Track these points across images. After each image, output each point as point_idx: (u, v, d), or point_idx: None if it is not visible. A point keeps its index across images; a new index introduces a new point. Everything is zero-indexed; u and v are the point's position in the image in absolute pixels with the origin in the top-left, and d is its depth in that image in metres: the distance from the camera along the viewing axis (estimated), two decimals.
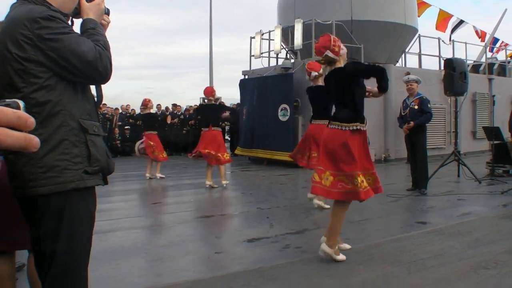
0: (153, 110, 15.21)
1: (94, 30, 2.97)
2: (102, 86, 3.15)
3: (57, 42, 2.72)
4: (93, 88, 3.13)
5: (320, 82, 8.83)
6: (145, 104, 14.78)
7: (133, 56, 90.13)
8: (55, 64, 2.74)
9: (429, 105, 10.82)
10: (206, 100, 13.46)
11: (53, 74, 2.76)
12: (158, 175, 14.37)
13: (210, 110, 12.38)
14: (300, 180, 12.50)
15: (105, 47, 2.93)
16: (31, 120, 1.22)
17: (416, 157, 11.06)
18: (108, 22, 3.24)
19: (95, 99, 3.13)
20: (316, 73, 9.05)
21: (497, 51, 27.15)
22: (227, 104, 21.90)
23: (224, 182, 12.19)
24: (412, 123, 10.77)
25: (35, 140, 1.24)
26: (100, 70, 2.85)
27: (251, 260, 5.94)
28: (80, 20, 3.06)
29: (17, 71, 2.71)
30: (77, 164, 2.81)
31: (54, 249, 2.81)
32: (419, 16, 23.59)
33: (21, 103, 1.20)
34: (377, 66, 5.92)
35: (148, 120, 14.72)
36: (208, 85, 30.04)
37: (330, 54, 5.85)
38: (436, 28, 25.14)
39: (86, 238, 2.95)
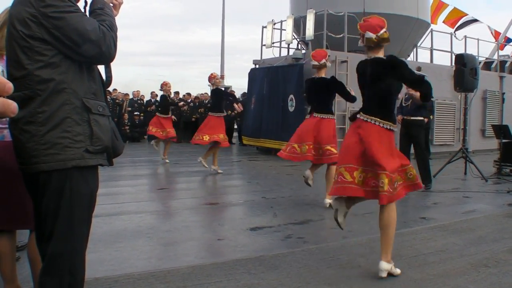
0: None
1: (102, 11, 3.01)
2: (112, 68, 3.18)
3: (61, 20, 2.75)
4: (102, 69, 3.16)
5: (324, 74, 8.65)
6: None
7: (147, 43, 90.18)
8: (59, 42, 2.78)
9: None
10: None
11: (57, 52, 2.80)
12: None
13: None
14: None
15: (111, 27, 2.96)
16: (9, 85, 1.24)
17: (415, 154, 10.95)
18: (120, 3, 3.26)
19: (104, 79, 3.16)
20: (318, 63, 8.62)
21: None
22: (238, 94, 22.01)
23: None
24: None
25: (13, 105, 1.25)
26: (103, 50, 2.88)
27: (252, 248, 5.98)
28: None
29: (22, 48, 2.76)
30: (79, 142, 2.85)
31: (53, 226, 2.85)
32: (437, 17, 23.56)
33: None
34: (424, 81, 5.46)
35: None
36: (220, 73, 30.19)
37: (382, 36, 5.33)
38: (443, 21, 24.92)
39: (85, 216, 2.98)
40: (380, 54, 5.38)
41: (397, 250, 5.90)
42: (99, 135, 2.92)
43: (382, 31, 5.32)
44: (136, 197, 9.16)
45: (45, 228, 2.88)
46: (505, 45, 26.50)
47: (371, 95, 5.35)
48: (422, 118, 10.93)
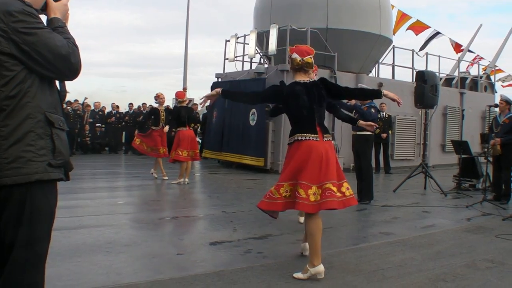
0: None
1: (63, 29, 3.06)
2: (67, 81, 3.18)
3: (32, 36, 2.78)
4: (57, 83, 3.15)
5: None
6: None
7: (111, 53, 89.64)
8: (28, 58, 2.79)
9: (372, 110, 10.46)
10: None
11: (24, 67, 2.81)
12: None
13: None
14: (267, 185, 12.46)
15: (75, 45, 2.99)
16: None
17: (361, 168, 10.97)
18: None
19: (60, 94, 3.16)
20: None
21: (471, 64, 27.43)
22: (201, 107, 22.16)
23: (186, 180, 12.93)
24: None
25: None
26: (73, 63, 2.92)
27: (212, 263, 5.95)
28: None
29: None
30: (42, 156, 2.86)
31: (13, 241, 2.84)
32: (397, 30, 23.96)
33: None
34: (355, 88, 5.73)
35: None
36: (182, 86, 30.34)
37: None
38: (407, 29, 25.31)
39: (45, 231, 2.98)
40: (306, 78, 5.69)
41: (356, 265, 5.94)
42: (60, 150, 2.94)
43: (307, 57, 5.63)
44: (95, 211, 9.02)
45: (5, 242, 2.86)
46: (465, 60, 26.94)
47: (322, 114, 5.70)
48: (367, 132, 10.56)
